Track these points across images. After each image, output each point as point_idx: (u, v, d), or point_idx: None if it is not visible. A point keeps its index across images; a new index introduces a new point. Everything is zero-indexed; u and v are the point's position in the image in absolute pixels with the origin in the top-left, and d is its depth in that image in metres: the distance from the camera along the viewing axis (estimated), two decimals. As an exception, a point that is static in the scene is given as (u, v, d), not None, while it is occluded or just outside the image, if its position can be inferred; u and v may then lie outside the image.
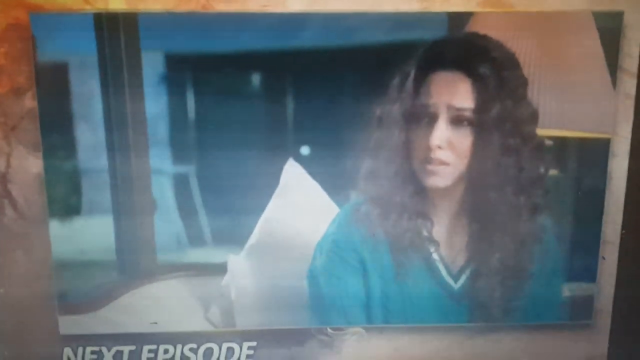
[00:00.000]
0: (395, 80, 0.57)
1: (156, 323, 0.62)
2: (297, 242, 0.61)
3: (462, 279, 0.62)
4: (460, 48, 0.56)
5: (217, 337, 0.63)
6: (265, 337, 0.64)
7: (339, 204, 0.60)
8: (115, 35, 0.56)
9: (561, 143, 0.60)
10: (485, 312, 0.62)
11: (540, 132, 0.58)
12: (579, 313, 0.64)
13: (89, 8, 0.55)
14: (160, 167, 0.59)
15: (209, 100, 0.58)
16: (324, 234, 0.61)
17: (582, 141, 0.60)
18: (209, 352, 0.64)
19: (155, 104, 0.57)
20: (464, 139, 0.57)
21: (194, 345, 0.63)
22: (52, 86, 0.57)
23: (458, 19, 0.56)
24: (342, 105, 0.58)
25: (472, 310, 0.62)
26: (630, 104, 0.59)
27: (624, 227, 0.62)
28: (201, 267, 0.62)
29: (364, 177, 0.59)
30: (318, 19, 0.56)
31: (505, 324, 0.64)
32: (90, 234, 0.60)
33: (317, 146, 0.59)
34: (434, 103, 0.56)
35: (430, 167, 0.58)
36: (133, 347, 0.63)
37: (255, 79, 0.58)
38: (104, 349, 0.63)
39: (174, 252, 0.62)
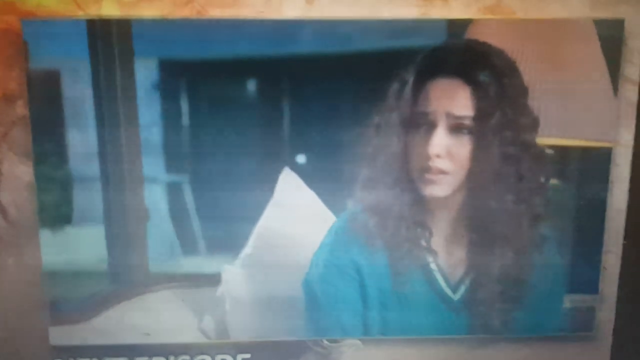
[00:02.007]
0: (394, 88, 0.56)
1: (149, 334, 0.61)
2: (293, 252, 0.60)
3: (461, 289, 0.61)
4: (459, 55, 0.55)
5: (211, 349, 0.62)
6: (260, 349, 0.62)
7: (336, 213, 0.59)
8: (108, 41, 0.55)
9: (562, 152, 0.59)
10: (484, 324, 0.61)
11: (541, 140, 0.57)
12: (581, 324, 0.63)
13: (81, 14, 0.54)
14: (154, 175, 0.58)
15: (203, 107, 0.57)
16: (321, 244, 0.60)
17: (583, 150, 0.59)
18: (202, 364, 0.63)
19: (148, 111, 0.56)
20: (463, 147, 0.56)
21: (187, 357, 0.62)
22: (44, 93, 0.56)
23: (457, 26, 0.55)
24: (339, 113, 0.57)
25: (471, 321, 0.61)
26: (632, 112, 0.59)
27: (625, 237, 0.61)
28: (195, 277, 0.61)
29: (362, 186, 0.58)
30: (314, 26, 0.55)
31: (505, 336, 0.62)
32: (81, 243, 0.59)
33: (314, 154, 0.58)
34: (433, 111, 0.56)
35: (428, 176, 0.57)
36: (125, 359, 0.62)
37: (251, 86, 0.57)
38: (95, 361, 0.62)
39: (167, 262, 0.61)
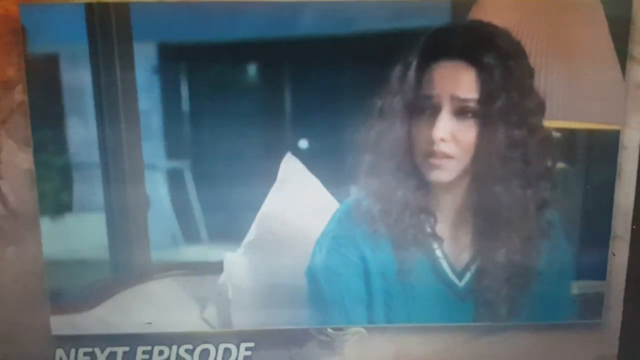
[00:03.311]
0: (397, 71, 0.55)
1: (151, 323, 0.61)
2: (295, 239, 0.60)
3: (467, 276, 0.60)
4: (464, 36, 0.54)
5: (214, 338, 0.62)
6: (264, 338, 0.62)
7: (339, 199, 0.59)
8: (107, 25, 0.54)
9: (569, 135, 0.58)
10: (490, 311, 0.60)
11: (548, 123, 0.56)
12: (588, 312, 0.62)
13: (79, -3, 0.54)
14: (154, 161, 0.58)
15: (204, 92, 0.56)
16: (324, 231, 0.59)
17: (590, 133, 0.58)
18: (205, 353, 0.62)
19: (148, 97, 0.56)
20: (469, 131, 0.55)
21: (190, 346, 0.62)
22: (43, 79, 0.55)
23: (461, 6, 0.54)
24: (341, 97, 0.56)
25: (477, 309, 0.60)
26: (640, 94, 0.58)
27: (634, 222, 0.60)
28: (197, 265, 0.60)
29: (365, 172, 0.58)
30: (316, 7, 0.54)
31: (512, 324, 0.62)
32: (82, 231, 0.59)
33: (316, 139, 0.57)
34: (437, 94, 0.55)
35: (433, 160, 0.56)
36: (127, 348, 0.61)
37: (252, 69, 0.56)
38: (97, 350, 0.61)
39: (169, 250, 0.60)
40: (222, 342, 0.62)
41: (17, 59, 0.55)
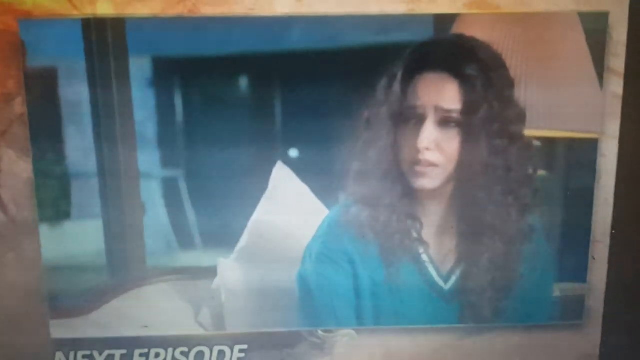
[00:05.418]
0: (383, 82, 0.57)
1: (147, 327, 0.62)
2: (286, 245, 0.61)
3: (452, 279, 0.62)
4: (446, 50, 0.56)
5: (208, 341, 0.63)
6: (256, 340, 0.63)
7: (328, 206, 0.60)
8: (104, 40, 0.56)
9: (549, 143, 0.60)
10: (475, 313, 0.62)
11: (528, 132, 0.58)
12: (570, 313, 0.64)
13: (77, 13, 0.55)
14: (149, 170, 0.59)
15: (197, 104, 0.58)
16: (314, 236, 0.61)
17: (570, 141, 0.60)
18: (200, 356, 0.63)
19: (143, 108, 0.57)
20: (452, 140, 0.57)
21: (185, 349, 0.63)
22: (42, 91, 0.57)
23: (444, 21, 0.56)
24: (330, 108, 0.58)
25: (462, 311, 0.62)
26: (617, 104, 0.59)
27: (613, 226, 0.62)
28: (191, 270, 0.62)
29: (353, 179, 0.59)
30: (305, 22, 0.56)
31: (496, 325, 0.63)
32: (80, 237, 0.60)
33: (306, 148, 0.59)
34: (422, 105, 0.56)
35: (418, 168, 0.58)
36: (124, 351, 0.63)
37: (243, 82, 0.58)
38: (95, 353, 0.63)
39: (164, 256, 0.62)
40: (216, 345, 0.63)
41: (16, 73, 0.56)
